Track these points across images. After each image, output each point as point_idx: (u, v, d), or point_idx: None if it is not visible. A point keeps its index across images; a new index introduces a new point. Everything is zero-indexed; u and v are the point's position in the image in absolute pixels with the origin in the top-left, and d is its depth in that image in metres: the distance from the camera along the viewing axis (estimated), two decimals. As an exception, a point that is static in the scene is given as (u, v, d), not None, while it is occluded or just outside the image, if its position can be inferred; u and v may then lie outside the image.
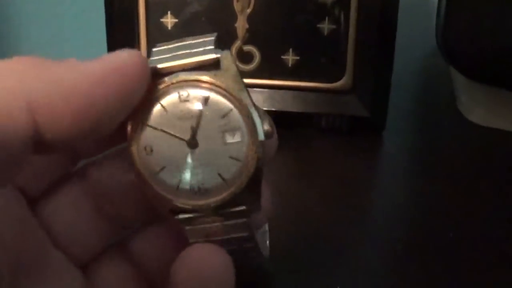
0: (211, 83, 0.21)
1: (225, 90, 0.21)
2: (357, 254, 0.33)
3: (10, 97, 0.17)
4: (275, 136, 0.22)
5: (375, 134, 0.43)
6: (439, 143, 0.43)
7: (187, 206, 0.21)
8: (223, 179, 0.21)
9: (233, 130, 0.21)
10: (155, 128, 0.21)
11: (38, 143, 0.18)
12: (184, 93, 0.21)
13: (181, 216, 0.22)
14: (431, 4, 0.49)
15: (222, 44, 0.22)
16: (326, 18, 0.41)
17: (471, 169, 0.40)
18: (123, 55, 0.19)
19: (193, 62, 0.21)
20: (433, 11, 0.42)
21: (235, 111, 0.21)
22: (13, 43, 0.84)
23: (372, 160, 0.42)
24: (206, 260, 0.21)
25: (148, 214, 0.23)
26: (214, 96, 0.21)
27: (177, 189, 0.21)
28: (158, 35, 0.43)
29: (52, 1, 0.78)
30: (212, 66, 0.21)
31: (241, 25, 0.42)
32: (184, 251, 0.21)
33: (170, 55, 0.22)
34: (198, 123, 0.21)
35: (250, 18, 0.42)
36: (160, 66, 0.21)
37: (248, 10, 0.42)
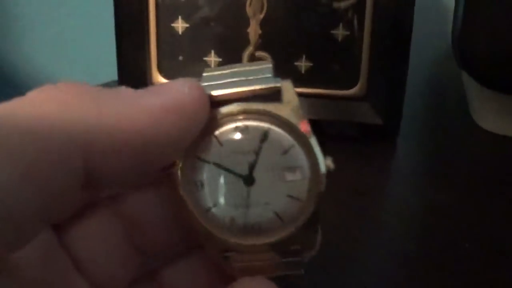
0: (271, 115, 0.20)
1: (286, 123, 0.19)
2: (369, 263, 0.32)
3: (66, 137, 0.16)
4: None
5: (388, 141, 0.42)
6: (452, 151, 0.43)
7: (240, 246, 0.20)
8: (280, 218, 0.20)
9: (294, 168, 0.20)
10: (208, 162, 0.20)
11: (89, 182, 0.17)
12: (241, 125, 0.20)
13: (231, 253, 0.20)
14: (443, 10, 0.49)
15: (278, 73, 0.21)
16: (340, 24, 0.41)
17: (484, 177, 0.40)
18: (183, 90, 0.18)
19: (251, 90, 0.20)
20: (445, 17, 0.42)
21: (297, 147, 0.19)
22: (17, 42, 0.84)
23: (384, 168, 0.42)
24: None
25: (181, 246, 0.22)
26: (275, 130, 0.19)
27: (230, 228, 0.20)
28: (169, 40, 0.43)
29: (57, 1, 0.78)
30: (271, 96, 0.20)
31: (253, 30, 0.42)
32: (237, 284, 0.20)
33: (223, 81, 0.20)
34: (256, 159, 0.19)
35: (262, 23, 0.41)
36: (214, 93, 0.19)
37: (261, 15, 0.41)
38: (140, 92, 0.18)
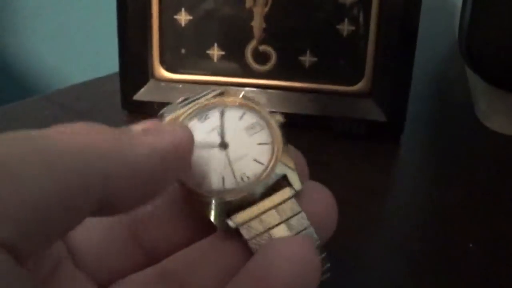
0: (225, 102, 0.24)
1: (238, 103, 0.24)
2: (371, 263, 0.32)
3: (89, 170, 0.18)
4: (334, 215, 0.23)
5: (392, 139, 0.42)
6: (456, 150, 0.42)
7: (238, 198, 0.22)
8: (260, 163, 0.23)
9: (253, 125, 0.23)
10: None
11: (99, 211, 0.18)
12: (203, 116, 0.24)
13: (234, 218, 0.22)
14: (450, 7, 0.48)
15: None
16: (346, 19, 0.40)
17: (489, 177, 0.39)
18: (179, 134, 0.21)
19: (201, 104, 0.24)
20: (452, 14, 0.41)
21: (248, 112, 0.24)
22: (19, 34, 0.83)
23: (388, 166, 0.41)
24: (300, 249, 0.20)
25: (185, 242, 0.23)
26: (230, 108, 0.24)
27: (224, 190, 0.22)
28: (172, 32, 0.42)
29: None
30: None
31: (257, 24, 0.41)
32: (273, 244, 0.21)
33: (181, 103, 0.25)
34: (221, 129, 0.23)
35: (267, 17, 0.41)
36: (169, 116, 0.24)
37: (265, 9, 0.41)
38: (143, 131, 0.20)
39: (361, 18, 0.40)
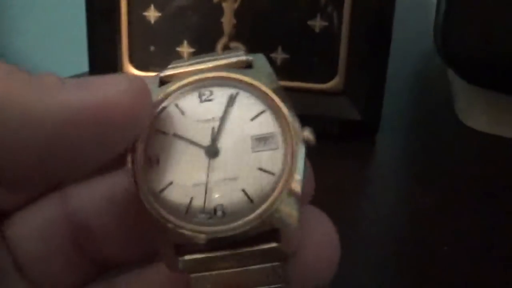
0: (240, 80, 0.17)
1: (257, 88, 0.17)
2: (346, 268, 0.31)
3: None
4: (336, 257, 0.18)
5: (368, 138, 0.41)
6: (435, 149, 0.41)
7: (197, 235, 0.16)
8: (249, 197, 0.16)
9: (265, 136, 0.16)
10: (166, 133, 0.17)
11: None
12: (206, 91, 0.17)
13: (187, 257, 0.16)
14: (429, 3, 0.47)
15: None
16: (318, 15, 0.39)
17: (468, 177, 0.38)
18: (120, 87, 0.16)
19: (216, 65, 0.17)
20: (431, 10, 0.40)
21: (268, 113, 0.17)
22: (7, 36, 0.83)
23: (363, 167, 0.40)
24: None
25: (137, 256, 0.19)
26: (244, 94, 0.17)
27: (187, 212, 0.16)
28: (141, 29, 0.41)
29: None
30: (242, 68, 0.18)
31: (227, 20, 0.40)
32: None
33: (189, 62, 0.18)
34: (221, 126, 0.17)
35: (237, 13, 0.40)
36: (167, 73, 0.17)
37: (236, 5, 0.39)
38: (69, 84, 0.16)
39: (334, 14, 0.39)
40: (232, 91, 0.17)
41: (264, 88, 0.17)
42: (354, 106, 0.39)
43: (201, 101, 0.17)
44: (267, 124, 0.17)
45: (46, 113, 0.15)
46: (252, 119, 0.17)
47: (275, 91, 0.17)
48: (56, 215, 0.19)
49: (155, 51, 0.41)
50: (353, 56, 0.39)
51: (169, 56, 0.41)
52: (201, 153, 0.16)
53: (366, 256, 0.32)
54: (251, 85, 0.17)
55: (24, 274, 0.19)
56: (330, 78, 0.40)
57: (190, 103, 0.17)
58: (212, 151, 0.16)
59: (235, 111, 0.17)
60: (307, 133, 0.17)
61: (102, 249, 0.20)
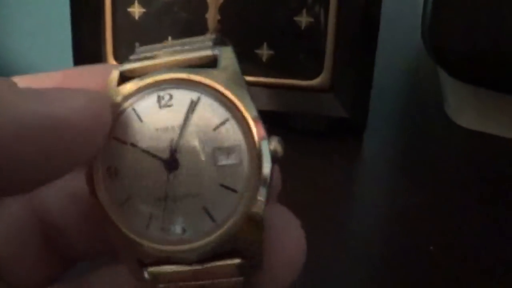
0: (203, 84, 0.16)
1: (221, 93, 0.16)
2: (331, 268, 0.31)
3: None
4: (302, 255, 0.17)
5: (355, 136, 0.40)
6: (424, 148, 0.40)
7: (157, 253, 0.15)
8: (210, 216, 0.15)
9: (228, 148, 0.16)
10: (123, 142, 0.16)
11: None
12: (165, 95, 0.16)
13: (150, 269, 0.16)
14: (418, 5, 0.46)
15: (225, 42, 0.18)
16: (304, 11, 0.39)
17: (457, 176, 0.38)
18: (79, 102, 0.15)
19: (178, 60, 0.16)
20: (420, 6, 0.39)
21: (232, 122, 0.16)
22: (1, 31, 0.82)
23: (350, 165, 0.40)
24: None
25: (107, 249, 0.19)
26: (205, 100, 0.16)
27: (147, 228, 0.16)
28: (125, 26, 0.40)
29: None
30: (207, 65, 0.16)
31: (212, 16, 0.39)
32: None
33: (152, 53, 0.17)
34: (180, 137, 0.16)
35: (222, 9, 0.39)
36: (128, 67, 0.17)
37: (220, 0, 0.39)
38: (25, 93, 0.15)
39: (320, 10, 0.38)
40: (193, 95, 0.16)
41: (228, 92, 0.16)
42: (340, 103, 0.39)
43: (160, 106, 0.16)
44: (230, 134, 0.16)
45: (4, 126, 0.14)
46: (215, 128, 0.16)
47: (240, 96, 0.16)
48: (23, 213, 0.19)
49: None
50: (340, 52, 0.38)
51: (154, 53, 0.41)
52: (160, 166, 0.16)
53: (352, 254, 0.32)
54: (214, 88, 0.16)
55: (2, 273, 0.19)
56: (316, 75, 0.39)
57: (148, 108, 0.16)
58: (171, 165, 0.16)
59: (196, 119, 0.16)
60: (275, 144, 0.16)
61: (71, 244, 0.19)
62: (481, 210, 0.35)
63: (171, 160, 0.16)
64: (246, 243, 0.16)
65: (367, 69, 0.38)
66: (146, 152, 0.16)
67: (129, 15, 0.40)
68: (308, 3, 0.38)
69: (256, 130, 0.16)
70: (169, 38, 0.40)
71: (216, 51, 0.17)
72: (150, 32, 0.40)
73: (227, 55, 0.17)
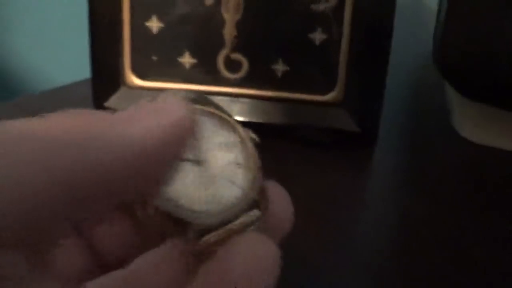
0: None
1: (211, 112, 0.22)
2: (340, 278, 0.32)
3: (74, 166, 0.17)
4: (290, 213, 0.22)
5: (365, 149, 0.41)
6: (430, 160, 0.42)
7: (210, 222, 0.20)
8: (237, 186, 0.21)
9: (229, 142, 0.22)
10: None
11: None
12: None
13: (206, 237, 0.20)
14: (426, 14, 0.48)
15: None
16: (318, 28, 0.40)
17: (463, 188, 0.39)
18: (181, 110, 0.19)
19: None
20: (427, 22, 0.41)
21: (224, 126, 0.22)
22: (6, 29, 0.83)
23: (360, 176, 0.41)
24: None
25: (136, 248, 0.22)
26: (203, 116, 0.21)
27: (197, 212, 0.20)
28: (143, 40, 0.41)
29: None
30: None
31: (229, 32, 0.40)
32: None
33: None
34: (200, 144, 0.21)
35: (238, 25, 0.40)
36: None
37: (237, 17, 0.40)
38: (139, 113, 0.19)
39: (333, 27, 0.40)
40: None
41: (212, 110, 0.22)
42: (352, 118, 0.40)
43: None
44: (227, 133, 0.22)
45: (136, 141, 0.18)
46: (216, 132, 0.22)
47: (222, 112, 0.22)
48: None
49: (157, 61, 0.42)
50: (352, 68, 0.40)
51: (171, 66, 0.42)
52: (190, 165, 0.21)
53: (361, 265, 0.33)
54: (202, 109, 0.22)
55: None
56: (329, 90, 0.41)
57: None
58: (198, 161, 0.21)
59: (203, 129, 0.21)
60: (252, 134, 0.22)
61: (106, 242, 0.22)
62: (486, 220, 0.36)
63: (198, 158, 0.21)
64: (260, 199, 0.21)
65: (378, 86, 0.40)
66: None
67: (147, 30, 0.41)
68: (323, 21, 0.40)
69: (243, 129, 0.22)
70: (186, 52, 0.41)
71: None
72: (167, 46, 0.41)
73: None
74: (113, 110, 0.19)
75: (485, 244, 0.34)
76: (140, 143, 0.18)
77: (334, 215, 0.36)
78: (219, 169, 0.21)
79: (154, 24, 0.41)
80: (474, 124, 0.42)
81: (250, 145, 0.22)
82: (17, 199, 0.16)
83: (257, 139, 0.22)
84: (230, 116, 0.22)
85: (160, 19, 0.41)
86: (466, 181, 0.40)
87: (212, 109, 0.22)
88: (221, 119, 0.22)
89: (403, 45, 0.42)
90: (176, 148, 0.19)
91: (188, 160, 0.21)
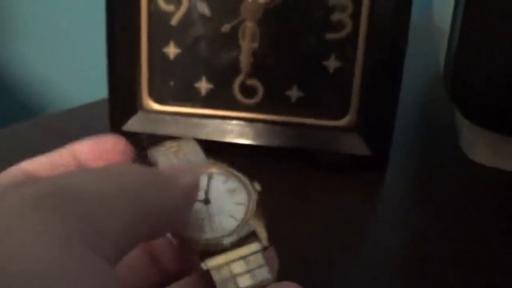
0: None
1: (223, 170, 0.27)
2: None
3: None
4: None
5: (377, 172, 0.42)
6: (441, 183, 0.43)
7: (213, 245, 0.25)
8: (235, 218, 0.25)
9: (233, 189, 0.26)
10: None
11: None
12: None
13: (207, 262, 0.24)
14: (435, 36, 0.49)
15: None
16: (333, 55, 0.41)
17: (473, 210, 0.40)
18: (193, 176, 0.24)
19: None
20: (438, 47, 0.42)
21: (232, 178, 0.27)
22: (8, 46, 0.83)
23: (372, 199, 0.42)
24: None
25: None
26: (215, 173, 0.27)
27: (204, 238, 0.25)
28: (160, 65, 0.42)
29: (50, 2, 0.77)
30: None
31: (245, 58, 0.41)
32: None
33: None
34: (208, 188, 0.26)
35: (255, 52, 0.41)
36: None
37: (254, 45, 0.41)
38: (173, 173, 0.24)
39: (348, 55, 0.41)
40: (210, 173, 0.27)
41: (225, 169, 0.27)
42: (365, 143, 0.41)
43: None
44: (233, 183, 0.27)
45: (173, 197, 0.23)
46: (224, 182, 0.27)
47: (233, 170, 0.27)
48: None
49: (174, 86, 0.43)
50: (365, 95, 0.41)
51: (188, 91, 0.43)
52: (201, 204, 0.26)
53: (374, 281, 0.34)
54: (216, 168, 0.27)
55: None
56: (343, 115, 0.42)
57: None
58: (207, 201, 0.26)
59: (214, 181, 0.27)
60: (257, 185, 0.26)
61: (167, 259, 0.27)
62: (494, 241, 0.37)
63: (206, 199, 0.26)
64: (258, 227, 0.25)
65: (390, 111, 0.41)
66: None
67: (164, 55, 0.42)
68: (337, 49, 0.41)
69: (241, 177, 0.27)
70: (203, 78, 0.42)
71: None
72: (184, 71, 0.42)
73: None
74: (131, 133, 0.22)
75: (498, 267, 0.35)
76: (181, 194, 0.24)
77: (345, 235, 0.37)
78: (222, 207, 0.26)
79: (171, 50, 0.42)
80: (482, 147, 0.43)
81: (252, 191, 0.26)
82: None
83: (259, 188, 0.26)
84: (238, 172, 0.27)
85: (177, 45, 0.42)
86: (477, 203, 0.41)
87: (225, 168, 0.27)
88: (230, 174, 0.27)
89: (412, 66, 0.43)
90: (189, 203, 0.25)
91: (199, 200, 0.26)
